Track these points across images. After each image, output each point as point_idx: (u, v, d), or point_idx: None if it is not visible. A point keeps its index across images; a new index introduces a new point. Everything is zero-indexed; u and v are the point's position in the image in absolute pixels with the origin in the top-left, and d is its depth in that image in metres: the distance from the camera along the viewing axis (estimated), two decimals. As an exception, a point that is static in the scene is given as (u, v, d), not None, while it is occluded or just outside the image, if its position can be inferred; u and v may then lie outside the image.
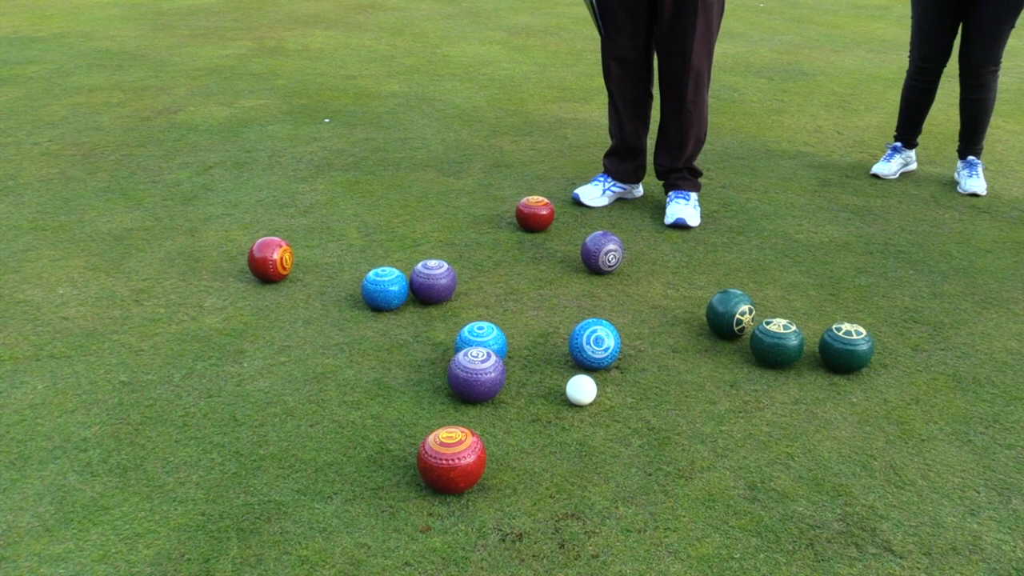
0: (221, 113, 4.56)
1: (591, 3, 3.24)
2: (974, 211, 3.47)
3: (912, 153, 3.84)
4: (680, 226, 3.27)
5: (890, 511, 1.87)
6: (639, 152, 3.48)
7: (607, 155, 3.55)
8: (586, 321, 2.35)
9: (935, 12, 3.50)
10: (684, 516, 1.84)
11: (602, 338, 2.31)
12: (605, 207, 3.47)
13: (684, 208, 3.31)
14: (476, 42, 6.35)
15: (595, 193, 3.47)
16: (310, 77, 5.31)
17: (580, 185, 3.58)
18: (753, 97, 5.02)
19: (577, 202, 3.44)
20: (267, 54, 5.87)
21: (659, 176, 3.47)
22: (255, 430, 2.10)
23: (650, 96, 3.43)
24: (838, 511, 1.86)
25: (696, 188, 3.42)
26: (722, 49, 6.17)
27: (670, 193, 3.40)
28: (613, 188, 3.50)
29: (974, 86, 3.56)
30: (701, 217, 3.36)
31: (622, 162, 3.49)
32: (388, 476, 1.94)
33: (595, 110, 4.71)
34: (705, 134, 3.38)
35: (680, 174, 3.39)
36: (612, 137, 3.52)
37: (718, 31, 3.22)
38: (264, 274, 2.75)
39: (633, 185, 3.55)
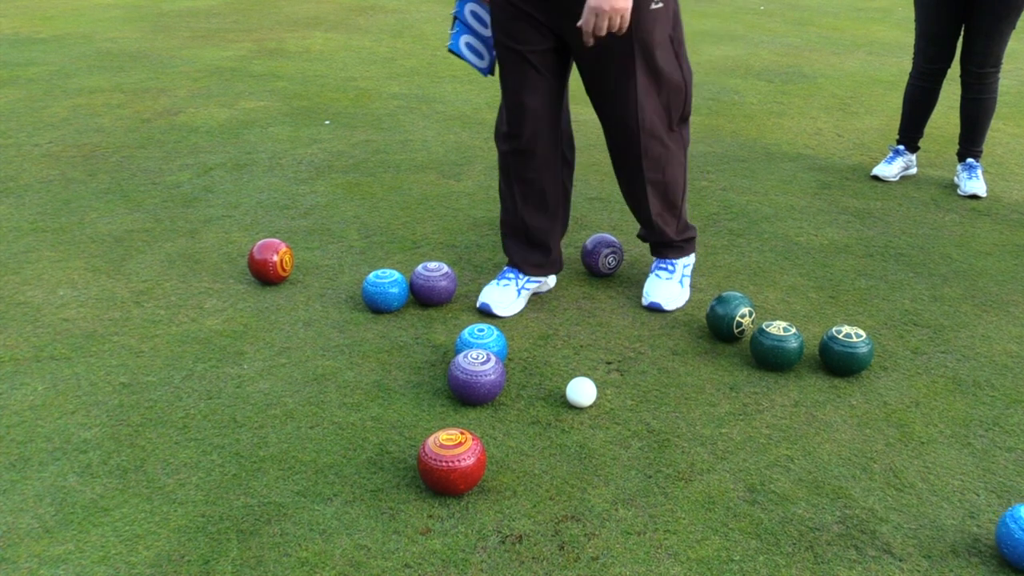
0: (221, 115, 4.56)
1: (458, 48, 2.51)
2: (974, 214, 3.47)
3: (913, 157, 3.84)
4: (656, 311, 2.65)
5: (890, 514, 1.87)
6: (547, 247, 2.67)
7: (507, 236, 2.69)
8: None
9: (938, 14, 3.51)
10: (684, 518, 1.84)
11: None
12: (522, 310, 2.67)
13: (664, 285, 2.67)
14: (476, 44, 6.35)
15: (508, 298, 2.62)
16: (310, 79, 5.31)
17: (488, 284, 2.69)
18: (753, 99, 5.02)
19: (488, 313, 2.60)
20: (267, 56, 5.87)
21: (640, 238, 2.81)
22: (255, 432, 2.10)
23: (563, 175, 2.63)
24: (838, 513, 1.86)
25: (684, 254, 2.74)
26: (723, 51, 6.18)
27: (654, 262, 2.78)
28: (527, 285, 2.67)
29: (975, 87, 3.57)
30: (691, 289, 2.75)
31: (530, 250, 2.66)
32: (388, 478, 1.95)
33: (594, 112, 4.70)
34: (683, 197, 2.64)
35: (662, 244, 2.73)
36: (506, 212, 2.66)
37: (680, 71, 2.43)
38: (264, 276, 2.75)
39: (545, 279, 2.73)
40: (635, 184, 2.58)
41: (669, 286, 2.69)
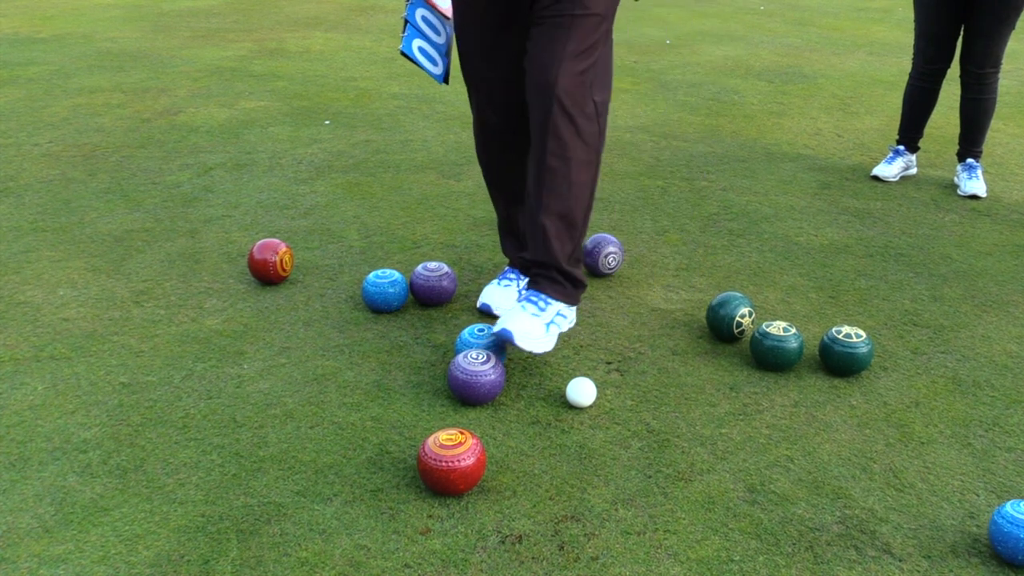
0: (222, 115, 4.56)
1: (411, 52, 2.41)
2: (974, 214, 3.47)
3: (913, 157, 3.84)
4: (505, 341, 2.18)
5: (890, 514, 1.87)
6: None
7: (501, 235, 2.70)
8: None
9: (938, 14, 3.51)
10: (684, 518, 1.84)
11: None
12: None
13: (525, 319, 2.16)
14: (477, 44, 6.35)
15: (509, 299, 2.56)
16: (311, 79, 5.31)
17: (488, 284, 2.65)
18: (753, 100, 5.02)
19: (488, 313, 2.56)
20: (268, 56, 5.87)
21: (521, 267, 2.53)
22: (255, 431, 2.10)
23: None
24: (838, 514, 1.86)
25: (564, 298, 2.25)
26: (723, 51, 6.18)
27: (525, 289, 2.37)
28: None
29: (975, 87, 3.57)
30: (556, 341, 2.24)
31: (522, 247, 2.58)
32: (388, 478, 1.95)
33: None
34: (585, 218, 2.24)
35: (544, 270, 2.25)
36: (495, 210, 2.67)
37: (606, 47, 2.22)
38: (264, 276, 2.75)
39: None
40: (535, 169, 2.20)
41: (532, 323, 2.16)
